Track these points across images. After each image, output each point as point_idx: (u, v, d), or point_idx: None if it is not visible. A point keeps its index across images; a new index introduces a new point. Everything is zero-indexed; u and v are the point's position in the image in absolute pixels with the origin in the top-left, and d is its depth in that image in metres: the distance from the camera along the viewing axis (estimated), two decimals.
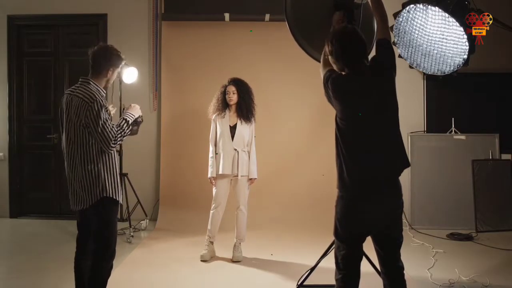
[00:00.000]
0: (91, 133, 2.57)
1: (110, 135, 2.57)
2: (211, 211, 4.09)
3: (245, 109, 4.09)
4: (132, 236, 4.70)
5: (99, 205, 2.62)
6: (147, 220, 5.23)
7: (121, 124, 2.69)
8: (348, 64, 2.37)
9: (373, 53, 2.54)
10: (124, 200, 5.06)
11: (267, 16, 5.36)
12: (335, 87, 2.36)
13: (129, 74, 4.98)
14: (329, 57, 2.43)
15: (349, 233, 2.36)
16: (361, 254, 2.44)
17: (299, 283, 3.31)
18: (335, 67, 2.43)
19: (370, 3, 2.63)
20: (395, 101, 2.39)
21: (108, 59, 2.72)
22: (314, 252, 3.65)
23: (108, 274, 2.76)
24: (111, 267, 2.78)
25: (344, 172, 2.32)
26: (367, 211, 2.29)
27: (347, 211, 2.34)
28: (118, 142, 2.64)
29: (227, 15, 5.40)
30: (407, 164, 2.37)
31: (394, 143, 2.35)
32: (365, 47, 2.40)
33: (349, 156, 2.31)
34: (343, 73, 2.41)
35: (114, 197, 2.66)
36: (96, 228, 2.68)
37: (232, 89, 4.09)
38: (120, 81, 4.96)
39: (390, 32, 2.50)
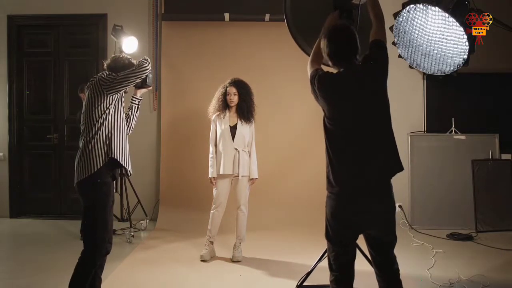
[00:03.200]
0: (121, 85, 2.82)
1: (133, 69, 2.87)
2: (212, 211, 4.09)
3: (246, 110, 4.09)
4: (133, 236, 4.70)
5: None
6: (147, 220, 5.24)
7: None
8: (339, 60, 2.35)
9: None
10: (124, 200, 5.07)
11: (267, 16, 5.36)
12: (321, 85, 2.34)
13: (129, 44, 4.92)
14: (324, 53, 2.41)
15: (338, 234, 2.33)
16: (354, 254, 2.40)
17: (298, 284, 3.30)
18: (330, 63, 2.42)
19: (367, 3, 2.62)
20: (386, 102, 2.33)
21: (121, 68, 2.93)
22: (314, 252, 3.65)
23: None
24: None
25: (331, 173, 2.30)
26: (354, 212, 2.25)
27: (334, 212, 2.30)
28: (146, 65, 2.90)
29: (227, 15, 5.40)
30: (399, 168, 2.29)
31: (384, 146, 2.29)
32: (356, 44, 2.36)
33: (336, 157, 2.28)
34: (333, 72, 2.39)
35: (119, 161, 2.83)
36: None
37: (233, 90, 4.08)
38: (121, 51, 4.88)
39: (386, 33, 2.49)
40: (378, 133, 2.29)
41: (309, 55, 3.02)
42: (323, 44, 2.39)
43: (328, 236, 2.37)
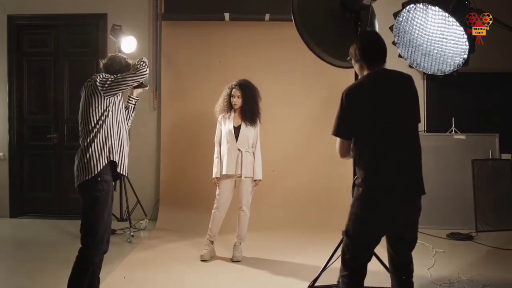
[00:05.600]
0: (120, 87, 2.81)
1: (132, 72, 2.85)
2: (213, 211, 4.09)
3: (249, 113, 4.08)
4: (132, 236, 4.70)
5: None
6: (147, 220, 5.23)
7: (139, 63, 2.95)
8: (370, 62, 2.36)
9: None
10: (124, 200, 5.06)
11: (267, 16, 5.36)
12: (352, 94, 2.31)
13: (128, 43, 4.93)
14: (354, 57, 2.42)
15: (364, 234, 2.32)
16: (371, 255, 2.39)
17: (310, 285, 3.24)
18: (364, 67, 2.40)
19: None
20: (416, 110, 2.38)
21: (118, 67, 2.96)
22: (314, 252, 3.66)
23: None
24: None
25: (367, 173, 2.27)
26: (386, 217, 2.25)
27: (364, 215, 2.27)
28: (145, 69, 2.89)
29: (227, 15, 5.39)
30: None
31: (417, 149, 2.39)
32: (385, 48, 2.38)
33: (370, 158, 2.27)
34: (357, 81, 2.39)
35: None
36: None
37: (237, 93, 4.07)
38: (120, 51, 4.87)
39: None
40: (412, 136, 2.37)
41: (317, 55, 2.99)
42: (353, 48, 2.40)
43: (349, 235, 2.35)
